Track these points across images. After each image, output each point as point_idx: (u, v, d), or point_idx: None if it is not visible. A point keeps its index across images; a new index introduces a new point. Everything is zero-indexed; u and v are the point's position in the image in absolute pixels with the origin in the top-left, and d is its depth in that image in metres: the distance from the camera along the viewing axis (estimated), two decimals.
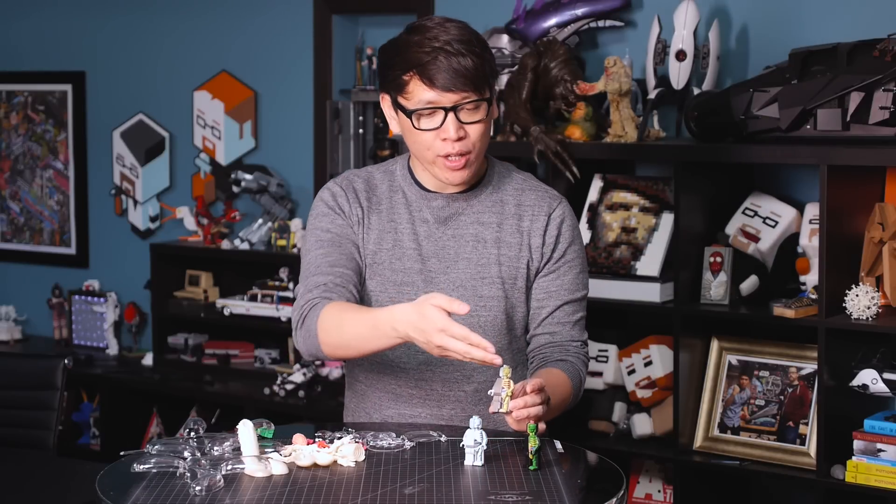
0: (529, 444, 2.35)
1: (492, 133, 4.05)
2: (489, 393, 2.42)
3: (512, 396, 2.39)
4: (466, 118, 2.58)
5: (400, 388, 2.72)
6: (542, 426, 2.43)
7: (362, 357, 2.65)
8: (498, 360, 2.35)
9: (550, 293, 2.71)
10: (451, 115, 2.57)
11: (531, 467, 2.35)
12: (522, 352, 2.77)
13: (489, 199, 2.71)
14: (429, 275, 2.68)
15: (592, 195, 3.97)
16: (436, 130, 2.58)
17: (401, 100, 2.61)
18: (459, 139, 2.58)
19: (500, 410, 2.39)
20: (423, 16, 4.52)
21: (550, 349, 2.71)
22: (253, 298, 4.78)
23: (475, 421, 2.39)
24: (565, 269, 2.72)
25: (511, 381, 2.40)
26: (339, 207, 2.71)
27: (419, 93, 2.57)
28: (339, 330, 2.53)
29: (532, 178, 2.78)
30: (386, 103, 2.67)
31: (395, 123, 2.67)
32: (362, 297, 2.71)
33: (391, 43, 2.65)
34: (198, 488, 2.21)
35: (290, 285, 4.71)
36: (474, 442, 2.38)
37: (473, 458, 2.38)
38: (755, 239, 3.70)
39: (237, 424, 2.40)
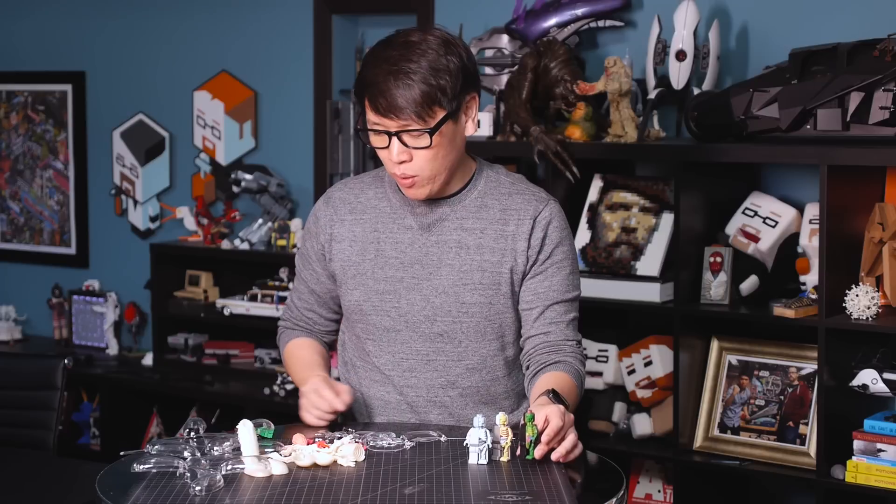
0: (527, 434, 2.36)
1: (491, 133, 4.07)
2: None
3: (541, 441, 2.37)
4: (411, 143, 2.58)
5: (388, 395, 2.73)
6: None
7: (347, 366, 2.84)
8: (342, 407, 2.63)
9: (538, 294, 2.68)
10: (394, 139, 2.57)
11: (528, 456, 2.36)
12: (513, 360, 2.74)
13: (473, 204, 2.69)
14: (411, 282, 2.68)
15: (592, 195, 3.97)
16: (385, 150, 2.60)
17: (360, 115, 2.64)
18: (402, 162, 2.59)
19: (501, 459, 2.39)
20: (422, 16, 4.52)
21: (546, 350, 2.68)
22: (253, 298, 4.78)
23: (479, 419, 2.39)
24: (553, 271, 2.69)
25: (509, 430, 2.39)
26: (314, 233, 2.79)
27: (368, 113, 2.59)
28: (289, 363, 2.88)
29: (521, 182, 2.75)
30: None
31: None
32: (349, 308, 2.75)
33: (366, 54, 2.67)
34: (198, 488, 2.21)
35: (290, 285, 4.71)
36: (479, 440, 2.38)
37: (478, 456, 2.38)
38: (755, 239, 3.70)
39: (237, 424, 2.41)
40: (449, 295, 2.66)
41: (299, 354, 2.83)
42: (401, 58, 2.54)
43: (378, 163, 4.62)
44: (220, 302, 4.87)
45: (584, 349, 2.77)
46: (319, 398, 2.62)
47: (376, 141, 2.60)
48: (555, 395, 2.50)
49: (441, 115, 2.55)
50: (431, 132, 2.56)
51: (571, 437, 2.41)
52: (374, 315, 2.70)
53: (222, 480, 2.26)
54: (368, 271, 2.70)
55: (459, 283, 2.66)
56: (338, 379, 2.78)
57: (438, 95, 2.54)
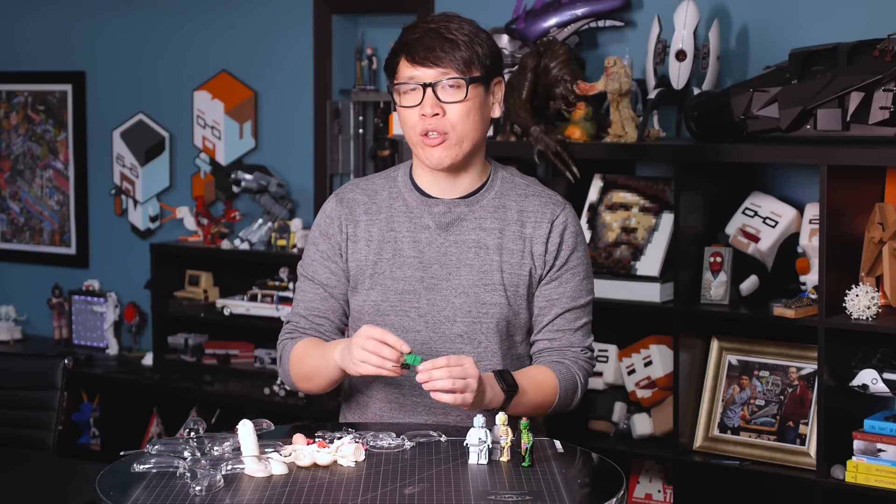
0: (522, 441, 2.36)
1: (491, 133, 4.07)
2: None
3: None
4: (445, 97, 2.61)
5: (404, 398, 2.72)
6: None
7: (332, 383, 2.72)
8: (406, 347, 2.46)
9: (552, 301, 2.71)
10: (428, 91, 2.61)
11: (524, 464, 2.36)
12: (522, 357, 2.76)
13: (491, 204, 2.71)
14: (430, 282, 2.68)
15: (592, 195, 3.97)
16: (416, 107, 2.62)
17: (394, 82, 2.67)
18: (435, 115, 2.61)
19: (501, 459, 2.40)
20: (422, 15, 4.52)
21: (548, 354, 2.72)
22: (253, 298, 4.78)
23: (479, 420, 2.39)
24: (568, 277, 2.72)
25: (509, 429, 2.40)
26: (330, 233, 2.74)
27: (403, 70, 2.63)
28: (302, 363, 2.70)
29: (536, 184, 2.78)
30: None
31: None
32: (363, 310, 2.71)
33: (402, 32, 2.71)
34: (198, 488, 2.21)
35: (290, 285, 4.71)
36: (479, 441, 2.38)
37: (478, 457, 2.38)
38: (755, 239, 3.70)
39: (237, 424, 2.40)
40: (469, 295, 2.66)
41: (315, 346, 2.69)
42: (441, 22, 2.63)
43: (378, 164, 4.65)
44: (220, 302, 4.87)
45: (593, 353, 2.79)
46: (376, 343, 2.46)
47: (408, 99, 2.63)
48: (499, 375, 2.57)
49: (476, 73, 2.62)
50: (469, 81, 2.61)
51: (448, 377, 2.44)
52: (393, 315, 2.68)
53: (222, 480, 2.26)
54: (386, 271, 2.69)
55: (479, 284, 2.67)
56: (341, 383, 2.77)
57: (475, 58, 2.62)
